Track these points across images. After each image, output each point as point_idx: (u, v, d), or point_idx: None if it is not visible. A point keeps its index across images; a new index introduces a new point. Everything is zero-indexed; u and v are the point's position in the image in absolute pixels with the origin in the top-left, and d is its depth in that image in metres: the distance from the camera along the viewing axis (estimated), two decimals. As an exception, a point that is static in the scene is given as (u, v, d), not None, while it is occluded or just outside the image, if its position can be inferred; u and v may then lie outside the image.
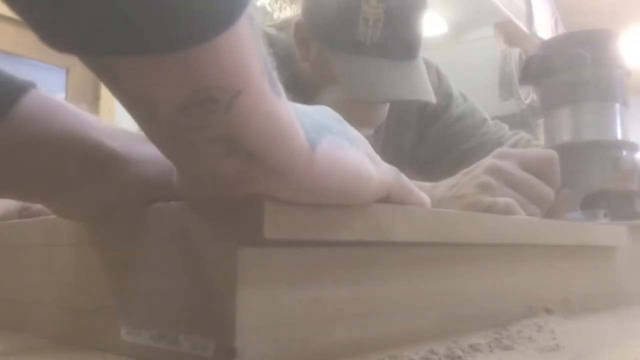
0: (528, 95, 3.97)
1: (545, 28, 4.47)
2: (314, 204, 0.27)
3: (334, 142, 0.27)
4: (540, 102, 0.62)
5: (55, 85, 2.22)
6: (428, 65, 1.02)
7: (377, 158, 0.31)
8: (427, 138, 1.07)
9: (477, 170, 0.58)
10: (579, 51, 0.55)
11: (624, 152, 0.54)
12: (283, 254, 0.28)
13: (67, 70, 2.24)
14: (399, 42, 0.83)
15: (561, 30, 4.93)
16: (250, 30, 0.22)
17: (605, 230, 0.59)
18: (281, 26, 1.01)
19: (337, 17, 0.85)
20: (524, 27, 4.15)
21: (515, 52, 3.93)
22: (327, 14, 0.86)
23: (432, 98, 0.87)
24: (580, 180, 0.54)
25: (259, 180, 0.25)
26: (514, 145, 1.00)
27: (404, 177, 0.33)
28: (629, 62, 0.57)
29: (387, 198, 0.32)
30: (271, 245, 0.27)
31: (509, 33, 4.12)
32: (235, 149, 0.24)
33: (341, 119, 0.31)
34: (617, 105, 0.56)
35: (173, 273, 0.29)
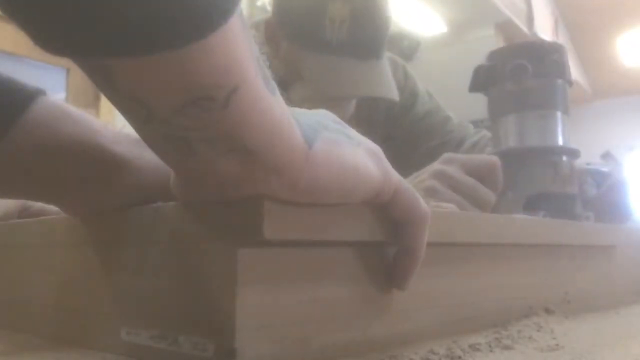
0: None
1: (545, 28, 4.47)
2: (313, 204, 0.27)
3: (330, 138, 0.27)
4: (488, 109, 0.65)
5: (56, 85, 2.21)
6: (395, 64, 1.06)
7: (384, 159, 0.31)
8: (394, 137, 1.09)
9: (424, 174, 0.62)
10: (521, 62, 0.58)
11: (564, 158, 0.58)
12: (283, 254, 0.28)
13: (68, 71, 2.25)
14: (364, 42, 0.86)
15: (561, 30, 4.93)
16: (242, 28, 0.22)
17: (605, 230, 0.59)
18: (253, 25, 1.03)
19: (305, 16, 0.88)
20: (524, 27, 4.14)
21: (516, 52, 3.93)
22: (296, 13, 0.89)
23: (395, 96, 0.90)
24: (523, 183, 0.58)
25: (257, 179, 0.25)
26: (475, 144, 1.03)
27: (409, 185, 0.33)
28: (572, 74, 0.61)
29: (394, 199, 0.31)
30: (271, 245, 0.27)
31: (509, 33, 4.11)
32: (232, 148, 0.24)
33: (340, 120, 0.31)
34: (559, 113, 0.59)
35: (173, 273, 0.29)
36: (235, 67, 0.22)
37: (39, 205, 0.52)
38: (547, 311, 0.44)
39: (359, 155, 0.29)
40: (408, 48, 4.11)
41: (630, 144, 5.78)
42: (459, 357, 0.30)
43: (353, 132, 0.31)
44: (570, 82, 0.61)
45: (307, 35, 0.87)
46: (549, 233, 0.48)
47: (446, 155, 0.64)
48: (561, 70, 0.60)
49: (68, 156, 0.32)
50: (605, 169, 0.61)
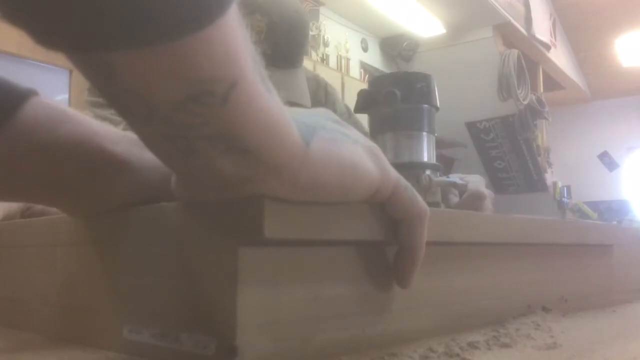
0: (526, 96, 3.98)
1: (543, 30, 4.48)
2: (313, 203, 0.27)
3: (328, 137, 0.28)
4: (369, 128, 0.75)
5: (59, 86, 2.21)
6: (317, 82, 1.15)
7: (382, 157, 0.31)
8: None
9: None
10: (392, 89, 0.68)
11: (428, 172, 0.68)
12: (283, 253, 0.28)
13: (71, 72, 2.24)
14: (280, 52, 0.94)
15: (559, 32, 4.94)
16: (238, 23, 0.22)
17: (602, 229, 0.59)
18: None
19: None
20: (522, 29, 4.15)
21: (514, 53, 3.94)
22: None
23: (307, 103, 0.97)
24: None
25: (256, 178, 0.25)
26: None
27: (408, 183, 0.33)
28: (438, 100, 0.72)
29: (392, 197, 0.31)
30: (271, 244, 0.27)
31: (507, 35, 4.12)
32: (231, 147, 0.24)
33: (338, 119, 0.31)
34: (424, 134, 0.70)
35: (174, 272, 0.29)
36: (233, 60, 0.22)
37: (41, 205, 0.52)
38: (545, 310, 0.45)
39: (357, 153, 0.29)
40: (407, 49, 4.12)
41: (628, 144, 5.79)
42: (458, 355, 0.31)
43: (351, 131, 0.31)
44: (436, 107, 0.71)
45: None
46: (547, 232, 0.49)
47: None
48: (427, 97, 0.70)
49: (67, 157, 0.31)
50: (462, 182, 0.70)
